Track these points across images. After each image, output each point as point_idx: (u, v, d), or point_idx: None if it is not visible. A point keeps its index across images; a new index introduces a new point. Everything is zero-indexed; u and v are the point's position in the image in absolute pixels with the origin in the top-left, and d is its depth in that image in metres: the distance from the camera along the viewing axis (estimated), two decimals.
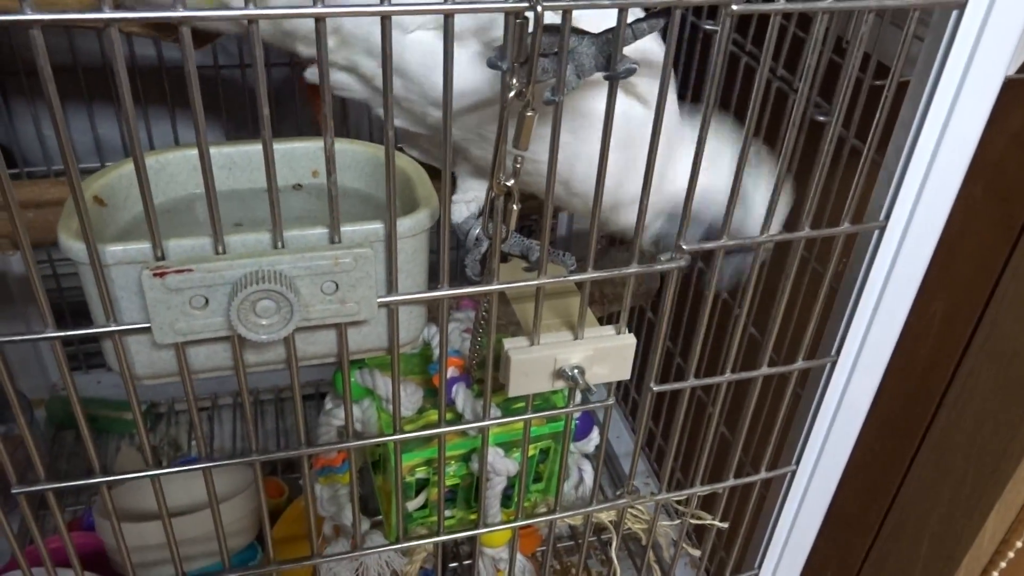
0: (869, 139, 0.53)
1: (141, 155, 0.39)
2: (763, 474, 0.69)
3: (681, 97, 0.78)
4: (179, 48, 0.37)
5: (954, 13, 0.49)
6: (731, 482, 0.68)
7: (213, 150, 0.56)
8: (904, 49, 0.50)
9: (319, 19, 0.37)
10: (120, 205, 0.52)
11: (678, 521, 0.72)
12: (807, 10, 0.45)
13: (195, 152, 0.55)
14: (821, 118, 0.68)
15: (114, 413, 1.11)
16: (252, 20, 0.37)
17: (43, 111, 1.00)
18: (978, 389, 0.79)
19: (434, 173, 0.54)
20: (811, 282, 0.65)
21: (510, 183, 0.45)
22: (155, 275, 0.42)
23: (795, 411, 0.69)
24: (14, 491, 0.47)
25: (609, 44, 0.46)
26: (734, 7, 0.43)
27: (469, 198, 0.64)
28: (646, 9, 0.48)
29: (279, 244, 0.44)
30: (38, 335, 0.42)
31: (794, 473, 0.70)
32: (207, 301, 0.43)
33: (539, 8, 0.39)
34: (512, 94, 0.42)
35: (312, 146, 0.57)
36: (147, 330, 0.44)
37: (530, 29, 0.40)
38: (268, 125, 0.40)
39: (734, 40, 0.81)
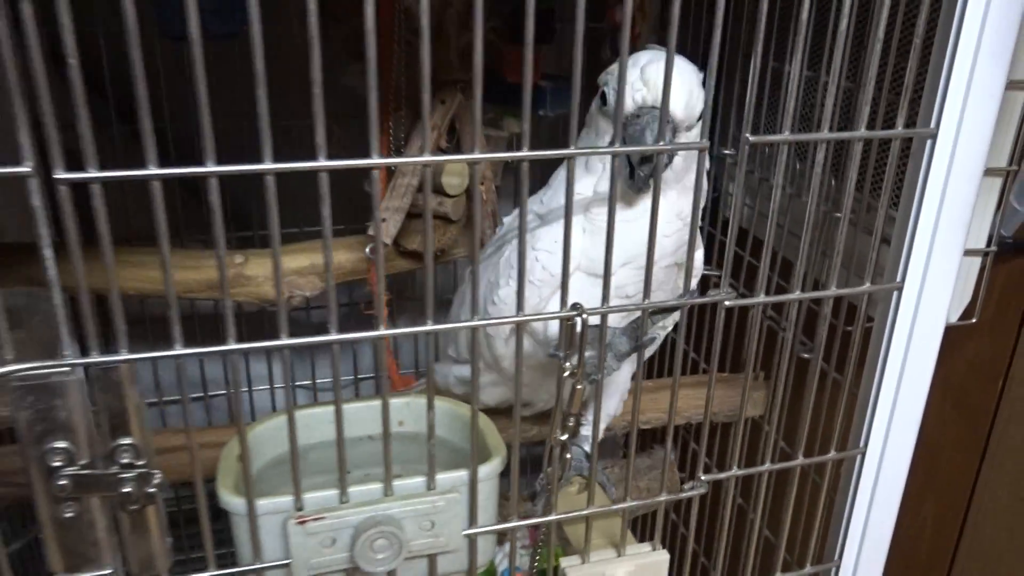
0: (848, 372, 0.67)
1: (296, 451, 0.53)
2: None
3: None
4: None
5: (895, 293, 0.64)
6: None
7: (320, 409, 0.70)
8: (860, 319, 0.65)
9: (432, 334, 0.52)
10: (252, 457, 0.65)
11: None
12: (781, 302, 0.60)
13: (308, 411, 0.70)
14: (806, 355, 0.82)
15: None
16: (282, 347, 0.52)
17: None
18: None
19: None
20: (813, 491, 0.76)
21: (564, 437, 0.59)
22: (298, 523, 0.54)
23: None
24: None
25: (636, 331, 0.61)
26: (727, 303, 0.58)
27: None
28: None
29: (389, 492, 0.57)
30: None
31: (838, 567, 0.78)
32: (334, 541, 0.56)
33: (584, 316, 0.55)
34: (566, 374, 0.56)
35: (397, 401, 0.71)
36: (286, 566, 0.56)
37: (578, 330, 0.55)
38: (388, 421, 0.54)
39: None
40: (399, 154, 0.85)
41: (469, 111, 0.88)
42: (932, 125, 0.58)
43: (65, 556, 0.52)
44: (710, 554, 0.71)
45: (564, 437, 0.59)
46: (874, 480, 0.70)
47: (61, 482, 0.49)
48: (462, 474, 0.59)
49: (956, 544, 0.89)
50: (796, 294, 0.60)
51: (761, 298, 0.60)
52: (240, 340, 0.50)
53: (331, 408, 0.71)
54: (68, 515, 0.51)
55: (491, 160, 0.90)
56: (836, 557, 0.74)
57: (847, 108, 0.81)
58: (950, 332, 0.70)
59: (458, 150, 0.86)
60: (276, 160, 0.45)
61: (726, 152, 1.02)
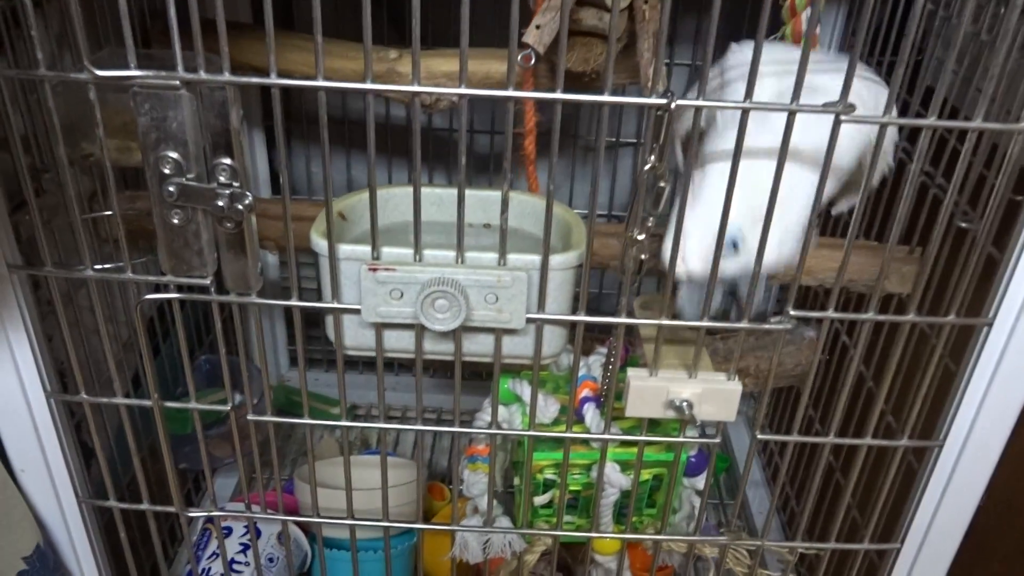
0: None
1: (375, 189, 0.55)
2: (866, 544, 0.74)
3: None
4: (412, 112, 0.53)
5: None
6: (832, 545, 0.74)
7: (426, 190, 0.72)
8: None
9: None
10: (356, 221, 0.69)
11: (778, 574, 0.77)
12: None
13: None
14: (964, 224, 0.73)
15: (322, 406, 1.32)
16: (462, 96, 0.52)
17: (314, 152, 1.27)
18: None
19: None
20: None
21: (640, 237, 0.57)
22: (370, 270, 0.58)
23: (909, 488, 0.73)
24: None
25: None
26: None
27: None
28: None
29: (460, 261, 0.59)
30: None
31: (898, 551, 0.73)
32: (402, 294, 0.59)
33: (673, 105, 0.52)
34: (647, 167, 0.54)
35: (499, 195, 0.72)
36: (358, 311, 0.60)
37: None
38: (463, 179, 0.55)
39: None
40: None
41: None
42: None
43: (172, 259, 0.59)
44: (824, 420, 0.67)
45: (641, 237, 0.58)
46: (998, 356, 0.63)
47: (170, 188, 0.55)
48: (534, 258, 0.60)
49: None
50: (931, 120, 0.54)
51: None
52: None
53: (444, 190, 0.74)
54: (175, 221, 0.57)
55: None
56: (941, 437, 0.68)
57: None
58: None
59: None
60: None
61: None
